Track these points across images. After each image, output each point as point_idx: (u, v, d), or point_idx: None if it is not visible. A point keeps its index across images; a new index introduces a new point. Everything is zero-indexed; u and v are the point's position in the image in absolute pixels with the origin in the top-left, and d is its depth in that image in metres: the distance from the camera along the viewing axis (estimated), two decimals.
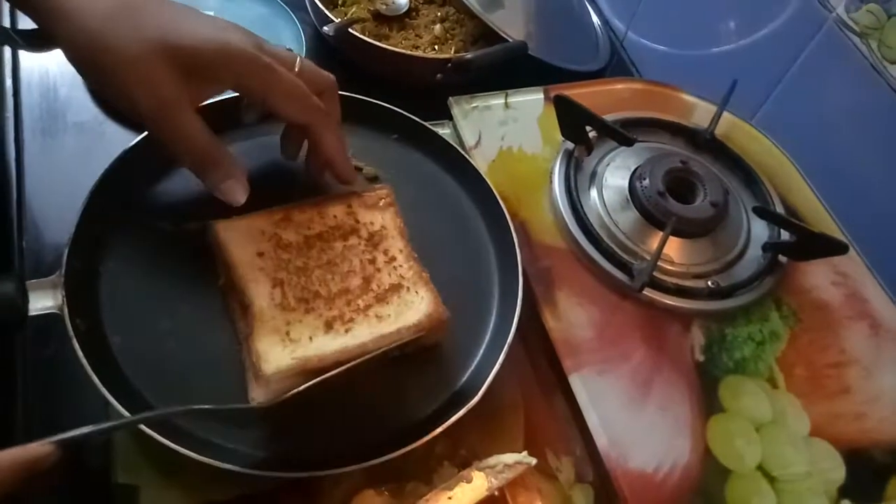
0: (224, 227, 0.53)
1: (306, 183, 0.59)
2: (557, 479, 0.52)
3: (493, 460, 0.48)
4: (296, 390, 0.45)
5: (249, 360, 0.48)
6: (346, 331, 0.49)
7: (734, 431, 0.54)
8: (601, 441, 0.52)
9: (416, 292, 0.52)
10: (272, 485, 0.48)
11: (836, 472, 0.54)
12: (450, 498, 0.46)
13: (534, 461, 0.49)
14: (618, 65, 0.96)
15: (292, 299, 0.50)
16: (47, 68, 0.78)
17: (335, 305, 0.51)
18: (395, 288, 0.52)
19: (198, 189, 0.54)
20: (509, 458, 0.49)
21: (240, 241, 0.52)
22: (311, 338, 0.49)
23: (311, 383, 0.45)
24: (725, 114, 0.71)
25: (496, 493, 0.47)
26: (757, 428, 0.55)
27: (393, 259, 0.54)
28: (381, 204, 0.57)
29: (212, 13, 0.86)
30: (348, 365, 0.47)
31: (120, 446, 0.48)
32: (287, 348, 0.48)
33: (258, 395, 0.47)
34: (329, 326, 0.49)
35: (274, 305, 0.50)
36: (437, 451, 0.50)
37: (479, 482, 0.47)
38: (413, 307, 0.51)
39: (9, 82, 0.76)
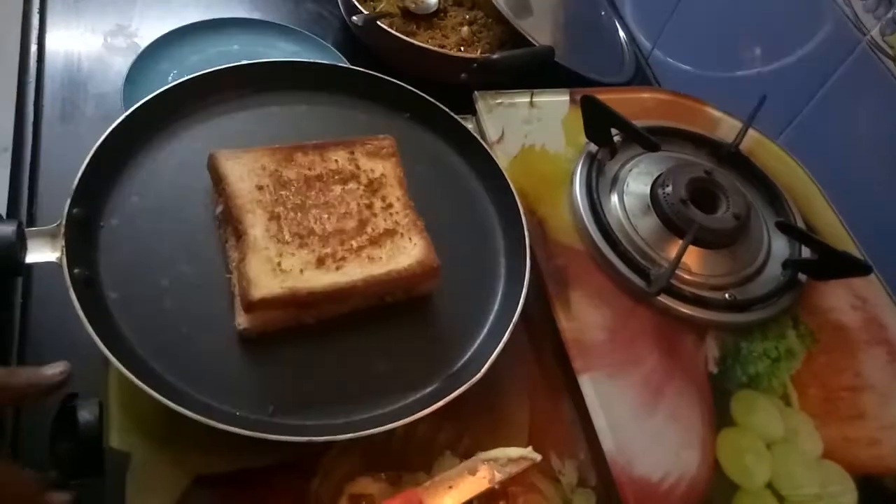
0: (226, 156, 0.53)
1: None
2: (560, 482, 0.51)
3: (497, 452, 0.47)
4: None
5: (239, 286, 0.48)
6: (338, 268, 0.50)
7: (744, 447, 0.53)
8: (608, 445, 0.50)
9: (410, 239, 0.53)
10: (267, 462, 0.46)
11: (847, 496, 0.52)
12: (450, 487, 0.45)
13: (539, 457, 0.48)
14: (642, 81, 0.95)
15: (287, 233, 0.51)
16: (73, 39, 0.78)
17: (329, 244, 0.51)
18: (390, 233, 0.53)
19: (202, 150, 0.55)
20: (514, 452, 0.47)
21: (241, 172, 0.53)
22: (301, 270, 0.49)
23: None
24: (750, 131, 0.71)
25: (497, 486, 0.46)
26: (768, 445, 0.53)
27: (390, 206, 0.54)
28: (382, 153, 0.57)
29: None
30: None
31: (115, 409, 0.47)
32: (277, 277, 0.48)
33: (244, 322, 0.48)
34: (321, 262, 0.50)
35: (269, 237, 0.50)
36: (440, 440, 0.49)
37: (481, 474, 0.46)
38: (405, 252, 0.52)
39: (34, 48, 0.76)
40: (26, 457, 0.51)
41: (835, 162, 0.72)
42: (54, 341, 0.57)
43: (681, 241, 0.59)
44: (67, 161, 0.67)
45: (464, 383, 0.47)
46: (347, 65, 0.77)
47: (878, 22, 0.66)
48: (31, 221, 0.63)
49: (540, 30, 0.84)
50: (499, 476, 0.46)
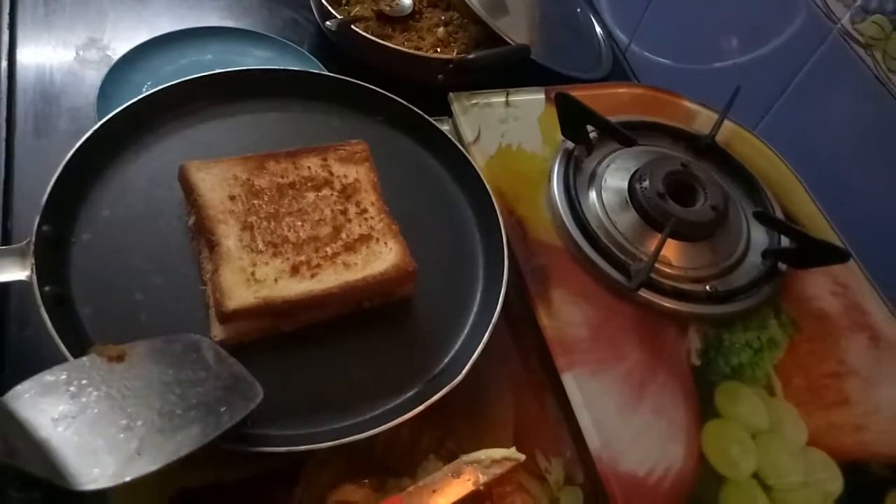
0: (197, 167, 0.53)
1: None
2: (546, 481, 0.51)
3: (481, 454, 0.47)
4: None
5: (213, 298, 0.48)
6: (312, 276, 0.50)
7: (730, 438, 0.53)
8: (593, 442, 0.50)
9: (385, 243, 0.53)
10: (248, 473, 0.46)
11: (834, 483, 0.52)
12: (434, 491, 0.44)
13: (522, 457, 0.47)
14: (619, 76, 0.96)
15: (261, 242, 0.50)
16: (44, 54, 0.77)
17: (303, 251, 0.51)
18: (365, 238, 0.53)
19: (174, 161, 0.54)
20: (497, 453, 0.47)
21: (212, 183, 0.52)
22: (276, 279, 0.49)
23: None
24: (727, 122, 0.71)
25: (482, 488, 0.46)
26: (753, 435, 0.53)
27: (364, 211, 0.54)
28: (355, 158, 0.57)
29: None
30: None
31: None
32: (251, 287, 0.48)
33: (220, 333, 0.47)
34: (295, 270, 0.50)
35: (242, 246, 0.50)
36: (423, 444, 0.48)
37: (466, 477, 0.46)
38: (381, 257, 0.52)
39: (4, 64, 0.75)
40: (7, 475, 0.50)
41: (811, 150, 0.72)
42: (33, 360, 0.56)
43: (659, 235, 0.59)
44: (42, 176, 0.66)
45: (445, 386, 0.47)
46: (323, 70, 0.77)
47: (847, 10, 0.67)
48: (7, 238, 0.63)
49: (516, 28, 0.84)
50: (483, 478, 0.46)
